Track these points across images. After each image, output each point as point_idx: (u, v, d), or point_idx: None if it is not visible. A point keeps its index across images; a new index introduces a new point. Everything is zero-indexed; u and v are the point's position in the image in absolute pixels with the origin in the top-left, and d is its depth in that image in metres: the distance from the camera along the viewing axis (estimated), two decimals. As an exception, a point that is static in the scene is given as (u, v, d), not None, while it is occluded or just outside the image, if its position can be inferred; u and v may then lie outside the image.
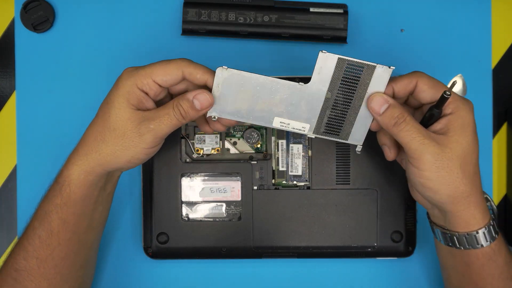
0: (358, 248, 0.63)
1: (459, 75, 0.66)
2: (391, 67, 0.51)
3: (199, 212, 0.64)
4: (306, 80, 0.63)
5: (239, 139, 0.64)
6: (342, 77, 0.51)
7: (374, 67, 0.51)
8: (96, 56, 0.66)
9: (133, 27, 0.66)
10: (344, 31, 0.64)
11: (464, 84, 0.66)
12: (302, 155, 0.64)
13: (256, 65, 0.66)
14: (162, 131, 0.52)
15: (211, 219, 0.64)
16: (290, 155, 0.64)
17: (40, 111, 0.66)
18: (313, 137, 0.54)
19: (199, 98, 0.52)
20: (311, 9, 0.64)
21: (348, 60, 0.50)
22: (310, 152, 0.63)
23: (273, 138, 0.64)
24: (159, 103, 0.54)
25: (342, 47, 0.66)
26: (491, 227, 0.53)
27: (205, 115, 0.54)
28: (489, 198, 0.57)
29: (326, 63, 0.51)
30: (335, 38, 0.64)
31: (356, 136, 0.54)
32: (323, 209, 0.63)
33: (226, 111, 0.53)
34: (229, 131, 0.64)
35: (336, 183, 0.63)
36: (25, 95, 0.66)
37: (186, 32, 0.64)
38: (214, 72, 0.52)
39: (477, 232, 0.53)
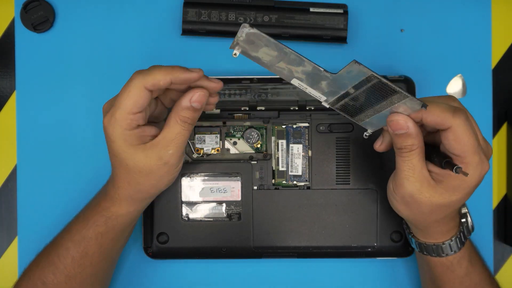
0: (358, 248, 0.63)
1: (459, 75, 0.66)
2: (423, 107, 0.47)
3: (199, 212, 0.64)
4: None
5: (239, 139, 0.64)
6: (370, 87, 0.48)
7: (407, 97, 0.47)
8: (96, 56, 0.66)
9: (133, 27, 0.66)
10: (344, 31, 0.64)
11: (464, 84, 0.66)
12: (302, 155, 0.64)
13: (256, 65, 0.66)
14: (181, 149, 0.52)
15: (211, 219, 0.64)
16: (290, 155, 0.64)
17: (40, 111, 0.66)
18: (327, 107, 0.52)
19: (196, 100, 0.51)
20: (311, 9, 0.64)
21: (382, 81, 0.47)
22: (310, 152, 0.63)
23: (273, 138, 0.64)
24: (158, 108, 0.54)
25: (342, 47, 0.66)
26: (450, 242, 0.55)
27: None
28: (468, 213, 0.57)
29: (358, 71, 0.47)
30: (335, 38, 0.64)
31: (369, 125, 0.52)
32: (323, 209, 0.63)
33: (249, 54, 0.49)
34: (229, 131, 0.64)
35: (336, 183, 0.63)
36: (25, 95, 0.66)
37: (186, 32, 0.64)
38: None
39: (434, 245, 0.55)
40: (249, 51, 0.49)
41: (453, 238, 0.55)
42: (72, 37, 0.66)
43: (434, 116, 0.48)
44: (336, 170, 0.63)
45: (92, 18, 0.66)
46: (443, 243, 0.55)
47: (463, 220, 0.56)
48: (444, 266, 0.56)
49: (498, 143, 0.67)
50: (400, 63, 0.66)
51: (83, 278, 0.57)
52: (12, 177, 0.67)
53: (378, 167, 0.63)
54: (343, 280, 0.66)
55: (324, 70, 0.48)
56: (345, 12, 0.64)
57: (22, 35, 0.66)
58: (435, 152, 0.50)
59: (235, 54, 0.49)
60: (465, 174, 0.46)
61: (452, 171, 0.46)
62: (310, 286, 0.66)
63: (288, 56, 0.48)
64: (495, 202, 0.67)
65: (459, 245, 0.55)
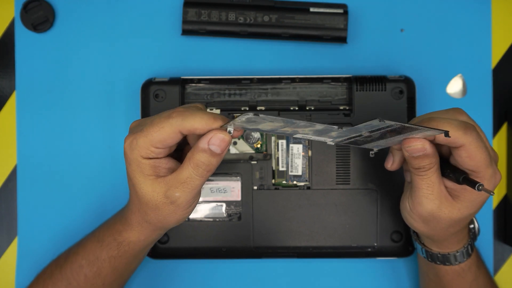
0: (358, 248, 0.63)
1: (459, 75, 0.66)
2: (444, 132, 0.45)
3: (199, 212, 0.64)
4: (307, 80, 0.63)
5: (239, 139, 0.64)
6: (389, 130, 0.46)
7: (428, 130, 0.45)
8: (96, 56, 0.66)
9: (133, 27, 0.66)
10: (344, 31, 0.64)
11: (464, 84, 0.66)
12: (302, 155, 0.64)
13: (256, 65, 0.66)
14: (190, 195, 0.48)
15: (211, 219, 0.64)
16: (290, 155, 0.64)
17: (40, 111, 0.66)
18: (332, 144, 0.50)
19: (215, 142, 0.46)
20: (311, 9, 0.64)
21: (404, 126, 0.44)
22: (310, 152, 0.63)
23: (273, 138, 0.64)
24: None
25: (342, 47, 0.66)
26: (463, 250, 0.55)
27: None
28: (474, 219, 0.58)
29: (379, 124, 0.44)
30: (335, 38, 0.64)
31: (375, 146, 0.52)
32: (323, 209, 0.63)
33: (247, 127, 0.47)
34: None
35: (336, 183, 0.63)
36: (25, 95, 0.66)
37: (186, 32, 0.64)
38: (213, 114, 0.46)
39: (448, 254, 0.55)
40: (248, 126, 0.46)
41: (465, 246, 0.55)
42: (72, 37, 0.66)
43: (447, 137, 0.47)
44: (336, 170, 0.63)
45: (92, 18, 0.66)
46: (457, 252, 0.55)
47: (471, 226, 0.57)
48: (455, 273, 0.56)
49: (498, 143, 0.67)
50: (400, 63, 0.66)
51: None
52: (12, 177, 0.67)
53: (378, 167, 0.63)
54: (343, 280, 0.66)
55: (339, 127, 0.45)
56: (345, 12, 0.64)
57: (22, 35, 0.66)
58: (450, 168, 0.50)
59: (229, 131, 0.46)
60: (489, 192, 0.46)
61: (473, 187, 0.46)
62: (310, 286, 0.66)
63: (297, 125, 0.45)
64: (495, 202, 0.67)
65: (470, 252, 0.56)
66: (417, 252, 0.60)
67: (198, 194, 0.50)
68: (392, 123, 0.43)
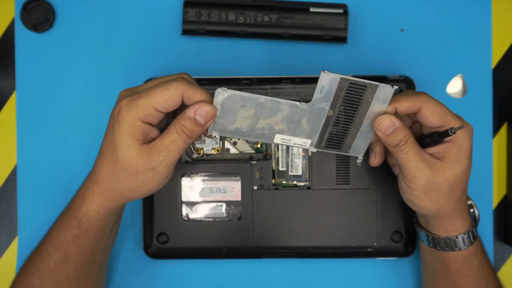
0: (358, 248, 0.63)
1: (459, 75, 0.66)
2: (394, 86, 0.50)
3: (199, 212, 0.64)
4: (307, 80, 0.63)
5: (239, 139, 0.64)
6: (344, 96, 0.50)
7: (377, 86, 0.50)
8: (95, 56, 0.66)
9: (133, 28, 0.66)
10: (344, 31, 0.64)
11: (464, 84, 0.66)
12: (302, 155, 0.64)
13: (256, 65, 0.66)
14: (172, 159, 0.50)
15: (211, 219, 0.64)
16: (290, 155, 0.64)
17: (40, 111, 0.66)
18: (315, 151, 0.54)
19: (201, 113, 0.49)
20: (311, 9, 0.64)
21: (350, 80, 0.49)
22: (310, 152, 0.63)
23: (273, 138, 0.64)
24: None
25: (342, 47, 0.66)
26: (470, 233, 0.57)
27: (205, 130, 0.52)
28: (473, 204, 0.60)
29: (328, 82, 0.49)
30: (335, 38, 0.64)
31: (357, 149, 0.54)
32: (323, 209, 0.63)
33: (227, 130, 0.51)
34: (229, 131, 0.64)
35: (336, 183, 0.63)
36: (25, 95, 0.66)
37: (186, 32, 0.64)
38: (212, 93, 0.50)
39: (457, 237, 0.56)
40: (227, 126, 0.51)
41: (469, 229, 0.56)
42: (72, 37, 0.66)
43: (404, 103, 0.51)
44: (336, 170, 0.63)
45: (92, 18, 0.66)
46: (464, 234, 0.56)
47: (471, 210, 0.59)
48: (463, 259, 0.57)
49: (498, 143, 0.67)
50: (400, 63, 0.66)
51: (70, 283, 0.57)
52: (12, 177, 0.67)
53: (378, 167, 0.63)
54: (343, 280, 0.66)
55: (300, 102, 0.50)
56: (345, 12, 0.64)
57: (22, 35, 0.66)
58: (423, 138, 0.54)
59: (214, 136, 0.51)
60: (461, 127, 0.50)
61: (447, 134, 0.50)
62: (310, 286, 0.66)
63: (265, 107, 0.50)
64: (495, 202, 0.67)
65: (475, 235, 0.57)
66: (421, 246, 0.60)
67: (174, 166, 0.52)
68: (337, 75, 0.48)
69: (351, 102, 0.51)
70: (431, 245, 0.58)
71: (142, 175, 0.50)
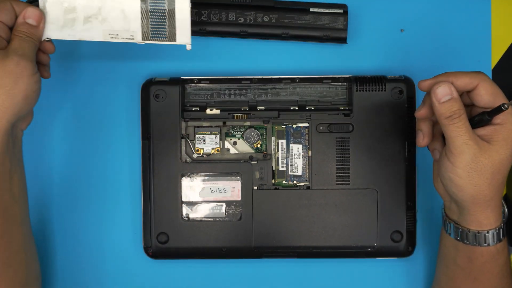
0: (358, 248, 0.63)
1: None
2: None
3: (199, 212, 0.64)
4: (307, 80, 0.63)
5: (239, 139, 0.64)
6: None
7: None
8: (96, 56, 0.66)
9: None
10: (344, 31, 0.64)
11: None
12: (302, 155, 0.64)
13: (256, 65, 0.66)
14: (29, 52, 0.55)
15: (211, 219, 0.64)
16: (290, 155, 0.64)
17: (40, 110, 0.66)
18: (143, 43, 0.56)
19: (29, 16, 0.55)
20: (311, 9, 0.64)
21: None
22: (310, 152, 0.63)
23: (273, 138, 0.64)
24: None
25: (342, 47, 0.66)
26: (500, 229, 0.56)
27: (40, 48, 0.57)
28: (503, 203, 0.58)
29: None
30: (335, 38, 0.64)
31: (183, 37, 0.56)
32: (323, 209, 0.63)
33: (57, 31, 0.56)
34: (229, 131, 0.64)
35: (336, 183, 0.63)
36: (25, 95, 0.66)
37: (186, 32, 0.64)
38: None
39: (488, 232, 0.55)
40: (56, 27, 0.57)
41: (501, 225, 0.56)
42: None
43: (462, 78, 0.53)
44: (336, 170, 0.63)
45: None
46: (495, 229, 0.55)
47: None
48: (490, 255, 0.56)
49: (498, 143, 0.67)
50: (400, 63, 0.66)
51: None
52: (12, 177, 0.67)
53: (378, 167, 0.63)
54: (343, 280, 0.66)
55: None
56: (345, 12, 0.64)
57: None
58: (472, 119, 0.54)
59: (48, 39, 0.57)
60: (510, 103, 0.51)
61: (501, 110, 0.51)
62: (310, 286, 0.66)
63: (88, 5, 0.55)
64: (495, 202, 0.66)
65: (505, 232, 0.56)
66: (443, 239, 0.59)
67: (34, 63, 0.55)
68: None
69: None
70: (458, 238, 0.57)
71: (13, 74, 0.53)
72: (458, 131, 0.52)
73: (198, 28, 0.64)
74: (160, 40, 0.57)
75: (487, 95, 0.53)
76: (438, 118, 0.53)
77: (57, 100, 0.66)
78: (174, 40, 0.57)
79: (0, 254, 0.55)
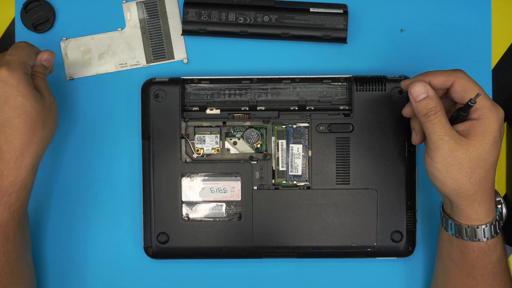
0: (358, 248, 0.63)
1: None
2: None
3: (199, 212, 0.64)
4: (307, 80, 0.63)
5: (239, 139, 0.64)
6: None
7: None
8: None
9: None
10: (344, 31, 0.64)
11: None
12: (302, 155, 0.64)
13: (256, 65, 0.66)
14: (48, 87, 0.59)
15: (211, 219, 0.64)
16: (290, 155, 0.64)
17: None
18: (148, 66, 0.62)
19: (47, 59, 0.59)
20: (311, 9, 0.64)
21: None
22: (310, 152, 0.63)
23: (273, 138, 0.64)
24: None
25: (342, 47, 0.66)
26: (491, 226, 0.56)
27: None
28: (502, 201, 0.59)
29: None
30: (335, 38, 0.64)
31: (179, 54, 0.64)
32: (323, 209, 0.63)
33: (78, 71, 0.66)
34: (229, 131, 0.64)
35: (336, 183, 0.63)
36: (25, 95, 0.66)
37: (186, 32, 0.64)
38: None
39: (477, 227, 0.56)
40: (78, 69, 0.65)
41: (493, 221, 0.56)
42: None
43: (438, 77, 0.55)
44: (336, 170, 0.63)
45: (92, 18, 0.66)
46: (486, 225, 0.56)
47: (499, 206, 0.58)
48: (481, 251, 0.57)
49: (498, 143, 0.67)
50: (400, 63, 0.66)
51: (10, 265, 0.57)
52: (12, 177, 0.67)
53: (378, 167, 0.63)
54: (343, 280, 0.66)
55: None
56: (345, 12, 0.64)
57: (22, 35, 0.66)
58: (452, 114, 0.56)
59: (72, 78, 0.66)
60: (478, 95, 0.52)
61: (470, 106, 0.52)
62: (310, 286, 0.66)
63: (100, 43, 0.64)
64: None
65: (497, 229, 0.57)
66: (440, 234, 0.60)
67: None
68: None
69: None
70: (451, 232, 0.57)
71: (51, 110, 0.58)
72: (434, 127, 0.53)
73: (198, 28, 0.64)
74: (161, 60, 0.65)
75: (462, 91, 0.54)
76: (417, 116, 0.55)
77: (57, 100, 0.66)
78: (173, 57, 0.65)
79: (12, 265, 0.57)
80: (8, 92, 0.54)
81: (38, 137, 0.56)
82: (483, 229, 0.56)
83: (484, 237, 0.56)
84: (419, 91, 0.54)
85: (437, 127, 0.53)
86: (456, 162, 0.53)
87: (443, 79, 0.55)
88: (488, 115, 0.54)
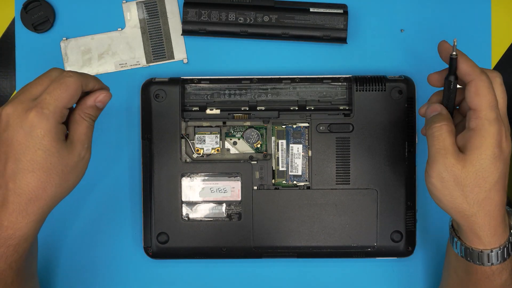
0: (358, 248, 0.63)
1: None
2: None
3: (199, 212, 0.64)
4: (307, 80, 0.63)
5: (239, 139, 0.64)
6: None
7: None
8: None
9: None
10: (344, 31, 0.64)
11: (464, 84, 0.66)
12: (302, 155, 0.64)
13: (256, 65, 0.66)
14: (90, 142, 0.54)
15: (211, 219, 0.64)
16: (290, 155, 0.64)
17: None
18: (148, 66, 0.61)
19: (101, 100, 0.54)
20: (311, 9, 0.64)
21: None
22: (310, 152, 0.63)
23: (273, 138, 0.64)
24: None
25: (342, 47, 0.66)
26: (498, 252, 0.53)
27: None
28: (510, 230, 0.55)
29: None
30: (335, 38, 0.64)
31: (179, 54, 0.62)
32: (323, 209, 0.63)
33: (77, 71, 0.56)
34: (229, 131, 0.64)
35: (336, 183, 0.63)
36: (25, 95, 0.66)
37: (186, 32, 0.65)
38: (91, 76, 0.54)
39: (481, 251, 0.53)
40: None
41: (501, 246, 0.53)
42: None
43: (466, 65, 0.52)
44: (336, 170, 0.63)
45: (92, 18, 0.66)
46: (491, 251, 0.52)
47: None
48: (484, 275, 0.54)
49: (498, 143, 0.67)
50: (400, 63, 0.66)
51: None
52: (12, 177, 0.67)
53: (378, 167, 0.63)
54: (343, 280, 0.66)
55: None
56: (345, 12, 0.64)
57: (22, 35, 0.66)
58: (444, 90, 0.54)
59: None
60: (455, 54, 0.51)
61: (452, 69, 0.51)
62: (310, 286, 0.66)
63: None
64: (495, 202, 0.66)
65: (505, 256, 0.53)
66: (448, 246, 0.58)
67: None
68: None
69: None
70: (457, 251, 0.55)
71: (75, 169, 0.52)
72: (434, 140, 0.51)
73: (198, 28, 0.64)
74: (161, 60, 0.65)
75: (474, 95, 0.51)
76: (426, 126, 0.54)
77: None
78: (173, 57, 0.65)
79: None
80: (30, 142, 0.49)
81: (49, 196, 0.51)
82: (487, 254, 0.52)
83: (488, 262, 0.53)
84: (433, 109, 0.53)
85: (437, 140, 0.51)
86: (451, 179, 0.51)
87: (467, 71, 0.51)
88: (485, 127, 0.50)
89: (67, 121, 0.52)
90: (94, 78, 0.54)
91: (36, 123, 0.49)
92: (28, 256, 0.54)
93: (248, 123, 0.64)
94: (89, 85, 0.52)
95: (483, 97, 0.50)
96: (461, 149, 0.51)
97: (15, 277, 0.52)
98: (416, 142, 0.63)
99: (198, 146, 0.64)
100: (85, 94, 0.53)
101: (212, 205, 0.64)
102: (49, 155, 0.49)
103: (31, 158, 0.49)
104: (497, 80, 0.53)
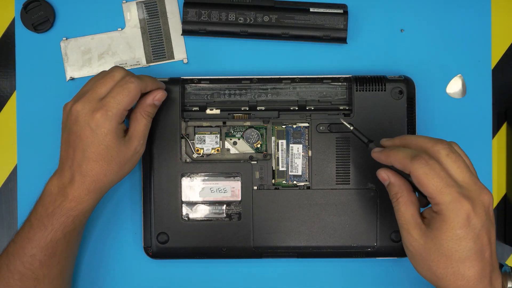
0: (358, 248, 0.63)
1: (459, 75, 0.66)
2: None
3: (199, 212, 0.64)
4: (307, 80, 0.63)
5: (239, 139, 0.64)
6: None
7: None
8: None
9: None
10: (344, 31, 0.64)
11: (463, 84, 0.66)
12: (302, 155, 0.64)
13: (256, 65, 0.66)
14: (146, 138, 0.60)
15: (211, 219, 0.64)
16: (290, 155, 0.64)
17: (40, 111, 0.66)
18: (148, 66, 0.62)
19: (159, 98, 0.60)
20: (311, 9, 0.64)
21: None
22: (310, 152, 0.63)
23: (273, 138, 0.64)
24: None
25: (342, 47, 0.66)
26: None
27: None
28: (508, 276, 0.53)
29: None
30: (335, 38, 0.64)
31: (179, 54, 0.64)
32: (323, 209, 0.63)
33: (78, 71, 0.66)
34: (229, 131, 0.64)
35: (336, 183, 0.63)
36: (25, 95, 0.66)
37: (186, 32, 0.65)
38: (154, 79, 0.60)
39: None
40: None
41: None
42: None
43: (396, 162, 0.52)
44: (336, 170, 0.63)
45: (92, 18, 0.66)
46: None
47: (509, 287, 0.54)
48: None
49: (498, 143, 0.67)
50: (400, 63, 0.66)
51: (51, 279, 0.58)
52: (12, 177, 0.67)
53: (378, 167, 0.63)
54: (343, 280, 0.66)
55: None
56: (345, 12, 0.64)
57: (22, 35, 0.66)
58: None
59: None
60: (350, 125, 0.56)
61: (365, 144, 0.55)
62: (310, 286, 0.66)
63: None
64: (495, 202, 0.67)
65: None
66: None
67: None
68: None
69: None
70: None
71: (131, 160, 0.59)
72: (397, 214, 0.53)
73: (198, 28, 0.64)
74: (161, 60, 0.65)
75: (420, 185, 0.50)
76: None
77: (57, 100, 0.66)
78: (173, 57, 0.65)
79: (52, 278, 0.59)
80: (95, 138, 0.56)
81: (108, 180, 0.58)
82: None
83: None
84: (381, 178, 0.54)
85: (397, 213, 0.53)
86: (417, 252, 0.51)
87: (400, 167, 0.51)
88: (443, 212, 0.49)
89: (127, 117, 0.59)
90: (151, 79, 0.59)
91: (101, 123, 0.56)
92: (80, 232, 0.60)
93: (248, 123, 0.64)
94: (148, 88, 0.59)
95: (427, 186, 0.49)
96: (426, 223, 0.51)
97: (64, 249, 0.59)
98: (416, 142, 0.63)
99: (198, 146, 0.64)
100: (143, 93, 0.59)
101: (212, 205, 0.64)
102: (110, 150, 0.57)
103: (95, 150, 0.56)
104: (442, 153, 0.50)
